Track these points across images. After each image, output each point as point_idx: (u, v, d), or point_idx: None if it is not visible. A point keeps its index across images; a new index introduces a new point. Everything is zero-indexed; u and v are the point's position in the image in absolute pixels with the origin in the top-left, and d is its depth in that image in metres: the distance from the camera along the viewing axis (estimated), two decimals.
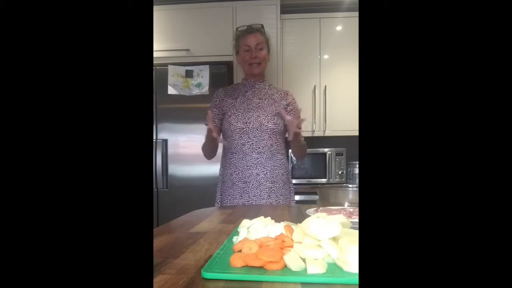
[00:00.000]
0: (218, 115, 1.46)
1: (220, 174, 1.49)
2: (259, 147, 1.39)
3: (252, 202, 1.35)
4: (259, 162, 1.38)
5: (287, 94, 1.50)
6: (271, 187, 1.38)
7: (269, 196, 1.36)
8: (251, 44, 1.40)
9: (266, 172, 1.38)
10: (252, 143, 1.38)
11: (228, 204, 1.37)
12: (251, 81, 1.48)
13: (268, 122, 1.39)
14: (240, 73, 1.54)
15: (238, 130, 1.38)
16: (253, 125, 1.38)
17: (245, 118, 1.40)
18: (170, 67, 2.18)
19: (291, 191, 1.47)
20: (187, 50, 2.30)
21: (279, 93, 1.48)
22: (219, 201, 1.45)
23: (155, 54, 2.26)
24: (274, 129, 1.40)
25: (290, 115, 1.43)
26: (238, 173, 1.38)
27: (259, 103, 1.43)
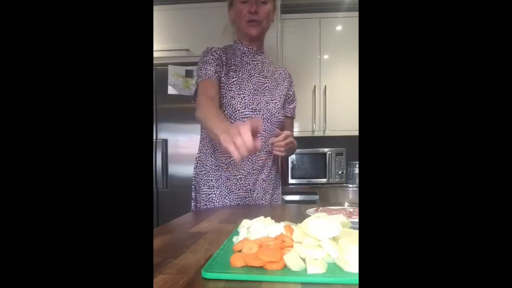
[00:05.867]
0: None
1: (204, 176, 1.09)
2: (268, 145, 1.04)
3: None
4: (267, 164, 1.06)
5: (287, 72, 1.17)
6: (273, 194, 1.12)
7: (270, 204, 1.11)
8: None
9: (272, 177, 1.09)
10: (260, 139, 1.00)
11: None
12: (252, 48, 1.08)
13: (278, 113, 1.06)
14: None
15: (246, 119, 1.01)
16: (263, 115, 1.02)
17: (253, 104, 1.02)
18: (170, 67, 2.18)
19: (280, 194, 1.23)
20: (187, 50, 2.29)
21: (279, 71, 1.14)
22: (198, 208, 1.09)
23: (155, 54, 2.26)
24: (282, 121, 1.09)
25: (289, 102, 1.13)
26: (241, 178, 1.03)
27: (264, 83, 1.07)
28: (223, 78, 1.04)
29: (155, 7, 2.27)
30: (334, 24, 2.47)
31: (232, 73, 1.05)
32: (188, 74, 2.19)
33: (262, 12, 1.03)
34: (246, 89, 1.04)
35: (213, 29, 2.30)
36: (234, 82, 1.04)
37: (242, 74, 1.06)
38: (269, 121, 1.04)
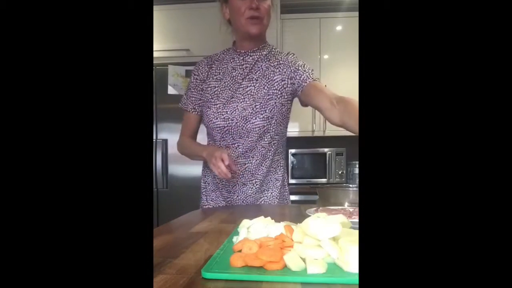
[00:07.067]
0: (199, 101, 1.07)
1: (202, 174, 1.17)
2: (246, 151, 1.02)
3: None
4: (247, 169, 1.04)
5: (280, 63, 1.02)
6: (260, 198, 1.08)
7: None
8: None
9: (256, 182, 1.05)
10: (237, 146, 1.02)
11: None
12: (241, 51, 1.05)
13: (255, 118, 0.99)
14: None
15: (218, 129, 1.02)
16: (236, 123, 1.00)
17: (226, 113, 1.00)
18: (170, 67, 2.18)
19: (286, 198, 1.15)
20: (187, 50, 2.30)
21: (273, 65, 1.03)
22: (205, 204, 1.15)
23: (155, 54, 2.26)
24: (264, 126, 1.00)
25: (285, 93, 1.01)
26: (222, 179, 1.04)
27: (247, 87, 1.01)
28: (202, 92, 1.08)
29: (155, 7, 2.27)
30: (334, 24, 2.47)
31: (214, 82, 1.06)
32: (188, 74, 2.19)
33: (263, 8, 0.96)
34: (223, 97, 1.02)
35: (213, 29, 2.30)
36: (215, 92, 1.05)
37: (224, 82, 1.05)
38: (243, 128, 1.01)
